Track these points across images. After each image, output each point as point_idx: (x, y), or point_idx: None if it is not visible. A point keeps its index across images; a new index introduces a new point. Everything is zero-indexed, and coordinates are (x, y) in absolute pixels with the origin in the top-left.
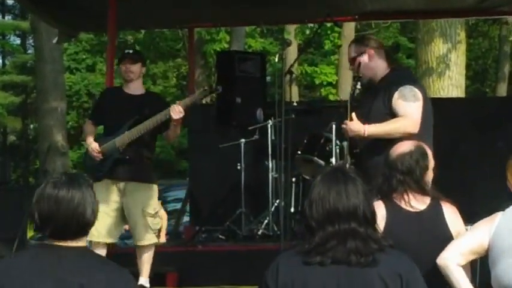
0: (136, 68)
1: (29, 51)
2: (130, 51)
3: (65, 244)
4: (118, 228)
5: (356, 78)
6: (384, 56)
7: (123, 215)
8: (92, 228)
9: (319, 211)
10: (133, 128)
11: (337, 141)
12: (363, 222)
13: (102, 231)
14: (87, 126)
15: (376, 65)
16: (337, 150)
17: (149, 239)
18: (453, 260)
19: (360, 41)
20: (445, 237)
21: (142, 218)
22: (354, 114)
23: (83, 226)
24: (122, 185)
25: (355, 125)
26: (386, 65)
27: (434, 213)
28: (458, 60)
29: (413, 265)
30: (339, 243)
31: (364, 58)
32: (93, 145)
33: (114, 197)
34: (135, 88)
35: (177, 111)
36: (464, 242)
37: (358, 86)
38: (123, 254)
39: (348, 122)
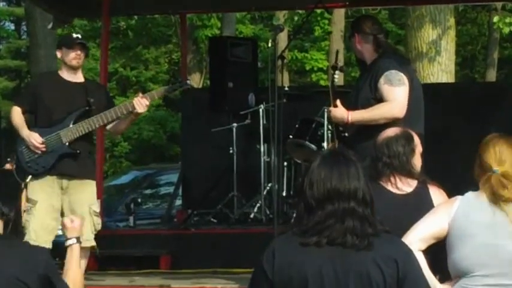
0: (84, 56)
1: (24, 37)
2: (80, 36)
3: None
4: (57, 227)
5: (333, 67)
6: (371, 41)
7: (61, 214)
8: (31, 230)
9: (320, 190)
10: (83, 121)
11: (329, 126)
12: (361, 203)
13: (41, 232)
14: (17, 115)
15: (363, 49)
16: (329, 135)
17: (91, 240)
18: (415, 245)
19: (354, 23)
20: None
21: (89, 216)
22: (338, 101)
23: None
24: (65, 181)
25: (338, 112)
26: (374, 50)
27: (420, 196)
28: (448, 46)
29: (409, 250)
30: (337, 222)
31: (354, 41)
32: (35, 136)
33: (57, 194)
34: (77, 76)
35: (143, 105)
36: (425, 226)
37: (336, 75)
38: (113, 235)
39: (332, 108)
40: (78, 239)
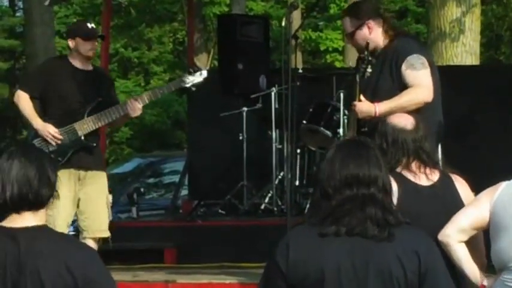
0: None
1: (18, 14)
2: (94, 26)
3: (21, 224)
4: (71, 219)
5: (367, 61)
6: (381, 23)
7: (75, 206)
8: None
9: (337, 177)
10: (98, 114)
11: (345, 111)
12: (382, 190)
13: (65, 229)
14: (26, 102)
15: (376, 35)
16: (345, 120)
17: (107, 230)
18: (454, 237)
19: (355, 13)
20: (459, 209)
21: (106, 208)
22: (361, 96)
23: (37, 196)
24: (82, 172)
25: (365, 106)
26: (385, 32)
27: (446, 186)
28: (472, 26)
29: (432, 243)
30: (357, 208)
31: (364, 31)
32: (51, 129)
33: (73, 187)
34: (88, 64)
35: (136, 109)
36: (465, 217)
37: (369, 69)
38: (114, 228)
39: (356, 103)
40: None
